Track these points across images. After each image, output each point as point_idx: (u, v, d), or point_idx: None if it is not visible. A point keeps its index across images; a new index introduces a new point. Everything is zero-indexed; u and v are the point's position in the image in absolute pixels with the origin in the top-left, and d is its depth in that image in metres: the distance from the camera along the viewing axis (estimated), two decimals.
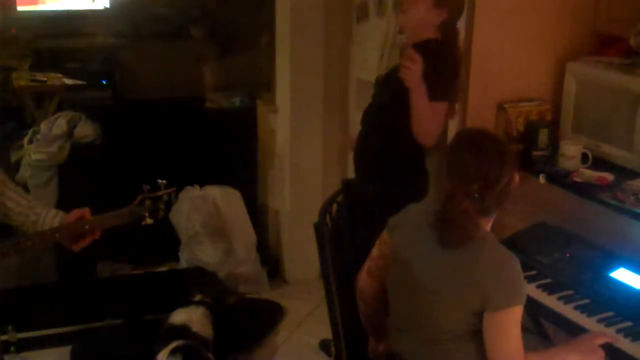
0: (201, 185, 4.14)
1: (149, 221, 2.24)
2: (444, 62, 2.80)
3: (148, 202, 2.23)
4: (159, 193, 2.25)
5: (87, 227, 2.13)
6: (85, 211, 2.16)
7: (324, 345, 3.49)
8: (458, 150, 2.05)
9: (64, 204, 4.07)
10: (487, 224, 2.08)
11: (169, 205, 2.29)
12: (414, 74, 2.74)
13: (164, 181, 2.28)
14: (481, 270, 1.97)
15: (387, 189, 2.90)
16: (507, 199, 2.04)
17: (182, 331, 3.09)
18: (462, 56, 2.95)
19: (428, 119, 2.78)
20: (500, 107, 3.12)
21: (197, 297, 3.31)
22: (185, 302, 3.28)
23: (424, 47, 2.78)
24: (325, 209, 2.44)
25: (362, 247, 2.50)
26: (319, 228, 2.38)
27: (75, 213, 2.16)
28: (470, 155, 2.00)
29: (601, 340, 2.11)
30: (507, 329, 1.96)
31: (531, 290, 2.44)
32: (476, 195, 1.97)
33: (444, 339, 2.05)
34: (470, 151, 2.00)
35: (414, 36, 2.91)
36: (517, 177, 2.07)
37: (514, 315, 1.96)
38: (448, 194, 2.00)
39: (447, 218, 1.99)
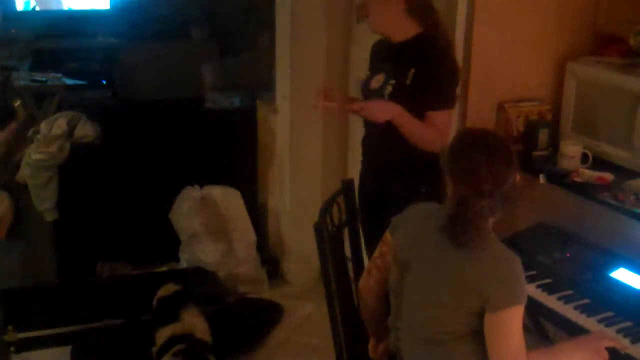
0: (201, 185, 4.14)
1: None
2: (439, 61, 2.61)
3: None
4: None
5: None
6: None
7: None
8: (465, 151, 2.03)
9: (64, 204, 4.15)
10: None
11: None
12: (383, 112, 2.52)
13: None
14: (481, 269, 1.97)
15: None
16: (512, 198, 2.03)
17: (184, 335, 3.10)
18: (453, 44, 2.77)
19: (436, 132, 2.54)
20: (500, 107, 3.13)
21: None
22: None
23: (414, 47, 2.64)
24: (325, 209, 2.43)
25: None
26: (319, 228, 2.38)
27: None
28: (480, 156, 1.98)
29: (607, 343, 2.09)
30: (508, 329, 1.96)
31: (531, 290, 2.44)
32: (488, 195, 1.97)
33: (445, 339, 2.05)
34: (480, 152, 1.99)
35: (392, 35, 2.72)
36: (518, 177, 2.07)
37: (515, 315, 1.95)
38: (460, 196, 1.98)
39: (462, 220, 1.97)
